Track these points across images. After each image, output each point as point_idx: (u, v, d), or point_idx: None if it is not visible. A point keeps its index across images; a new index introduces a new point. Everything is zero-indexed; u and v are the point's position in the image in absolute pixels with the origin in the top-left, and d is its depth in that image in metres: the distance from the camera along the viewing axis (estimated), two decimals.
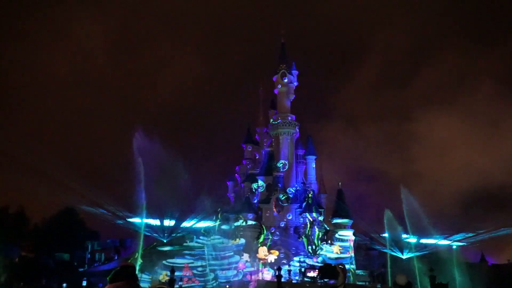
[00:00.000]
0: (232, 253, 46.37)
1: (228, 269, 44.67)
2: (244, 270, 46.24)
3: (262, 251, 48.63)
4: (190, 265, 43.12)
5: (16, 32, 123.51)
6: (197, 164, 50.66)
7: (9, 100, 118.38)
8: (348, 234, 51.36)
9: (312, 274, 41.88)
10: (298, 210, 52.93)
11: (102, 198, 41.38)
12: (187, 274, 42.49)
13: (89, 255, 56.68)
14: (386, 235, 47.32)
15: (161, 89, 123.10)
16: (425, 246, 48.19)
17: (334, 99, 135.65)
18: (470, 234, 47.69)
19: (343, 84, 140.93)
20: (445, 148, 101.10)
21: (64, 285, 38.75)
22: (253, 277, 45.68)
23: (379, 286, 47.04)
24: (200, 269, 43.20)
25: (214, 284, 43.05)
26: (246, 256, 47.27)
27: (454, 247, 48.55)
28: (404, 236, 47.24)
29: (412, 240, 47.77)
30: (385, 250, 48.11)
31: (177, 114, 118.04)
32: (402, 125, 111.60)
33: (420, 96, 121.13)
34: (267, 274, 46.87)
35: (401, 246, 47.49)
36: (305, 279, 43.32)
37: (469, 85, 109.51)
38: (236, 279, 44.15)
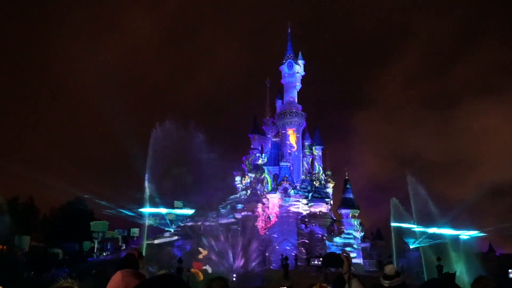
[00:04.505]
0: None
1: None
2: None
3: None
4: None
5: (66, 25, 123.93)
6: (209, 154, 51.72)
7: (50, 94, 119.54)
8: (355, 224, 51.36)
9: (316, 262, 41.90)
10: (305, 200, 52.88)
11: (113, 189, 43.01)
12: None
13: (98, 245, 57.27)
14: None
15: (200, 84, 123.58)
16: (439, 236, 47.76)
17: (371, 87, 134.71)
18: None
19: (381, 72, 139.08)
20: (486, 137, 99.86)
21: (74, 274, 39.31)
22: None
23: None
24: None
25: None
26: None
27: (472, 236, 48.04)
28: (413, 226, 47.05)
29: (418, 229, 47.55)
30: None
31: (206, 110, 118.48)
32: (442, 113, 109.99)
33: (462, 84, 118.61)
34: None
35: (409, 235, 47.38)
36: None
37: None
38: None
